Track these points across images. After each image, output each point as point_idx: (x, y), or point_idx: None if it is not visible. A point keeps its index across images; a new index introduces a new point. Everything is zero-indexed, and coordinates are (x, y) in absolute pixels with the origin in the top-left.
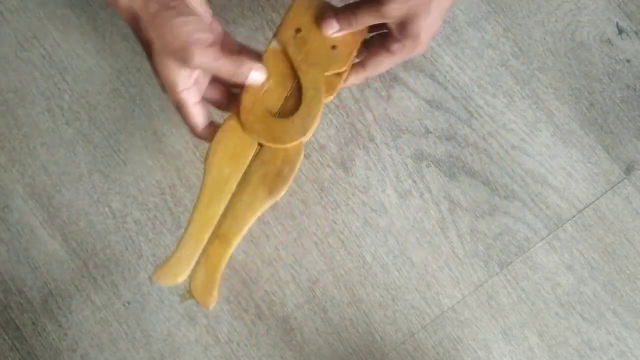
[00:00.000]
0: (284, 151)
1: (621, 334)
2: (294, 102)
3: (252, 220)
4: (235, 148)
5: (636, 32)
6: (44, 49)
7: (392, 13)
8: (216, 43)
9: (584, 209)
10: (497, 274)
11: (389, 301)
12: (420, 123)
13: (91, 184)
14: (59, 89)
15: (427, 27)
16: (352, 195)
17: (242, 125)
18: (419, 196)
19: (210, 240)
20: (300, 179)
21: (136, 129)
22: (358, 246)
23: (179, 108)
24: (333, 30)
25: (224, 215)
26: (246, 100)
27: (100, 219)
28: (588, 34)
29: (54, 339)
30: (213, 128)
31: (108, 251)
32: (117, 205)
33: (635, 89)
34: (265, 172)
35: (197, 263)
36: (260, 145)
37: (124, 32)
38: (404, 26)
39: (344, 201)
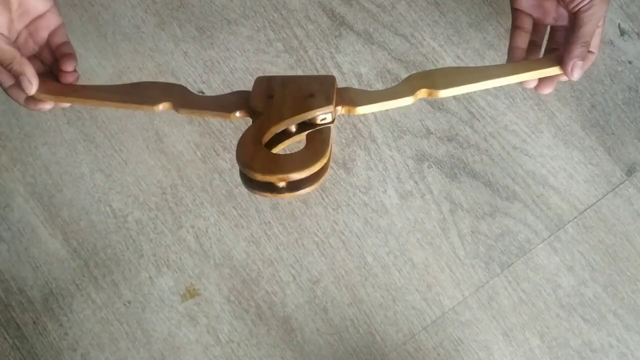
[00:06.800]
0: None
1: (622, 336)
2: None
3: None
4: None
5: (638, 34)
6: None
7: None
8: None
9: (585, 211)
10: (498, 275)
11: (390, 302)
12: (422, 124)
13: (92, 183)
14: None
15: None
16: (353, 195)
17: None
18: (420, 197)
19: None
20: None
21: (137, 129)
22: (359, 247)
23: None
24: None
25: None
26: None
27: (101, 218)
28: None
29: (54, 338)
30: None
31: (109, 251)
32: (118, 204)
33: (637, 91)
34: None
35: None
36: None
37: (126, 32)
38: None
39: (345, 202)
